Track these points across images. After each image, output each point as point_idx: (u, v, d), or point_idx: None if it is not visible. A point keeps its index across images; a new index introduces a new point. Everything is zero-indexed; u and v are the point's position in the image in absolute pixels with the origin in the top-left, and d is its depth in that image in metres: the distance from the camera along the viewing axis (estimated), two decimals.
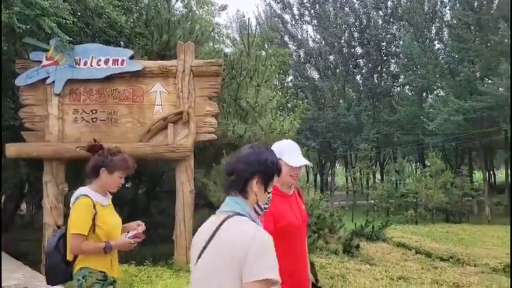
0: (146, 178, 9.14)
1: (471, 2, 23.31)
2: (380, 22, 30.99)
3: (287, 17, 33.00)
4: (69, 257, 2.73)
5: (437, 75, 25.42)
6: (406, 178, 26.18)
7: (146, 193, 9.36)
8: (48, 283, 2.87)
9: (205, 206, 7.17)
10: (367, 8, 30.58)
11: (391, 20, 31.03)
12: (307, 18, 32.73)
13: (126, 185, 9.78)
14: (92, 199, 2.73)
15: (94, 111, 6.64)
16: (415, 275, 7.19)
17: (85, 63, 6.60)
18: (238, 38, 20.09)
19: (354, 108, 29.65)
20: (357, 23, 31.28)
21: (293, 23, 32.98)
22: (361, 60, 32.18)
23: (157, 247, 7.09)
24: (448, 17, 27.17)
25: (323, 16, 31.17)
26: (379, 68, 32.12)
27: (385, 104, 30.84)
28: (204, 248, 1.60)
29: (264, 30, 28.62)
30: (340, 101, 31.00)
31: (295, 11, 32.60)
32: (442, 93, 27.44)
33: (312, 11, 32.05)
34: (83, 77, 6.57)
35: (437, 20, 28.07)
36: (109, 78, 6.62)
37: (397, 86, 33.02)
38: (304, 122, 29.33)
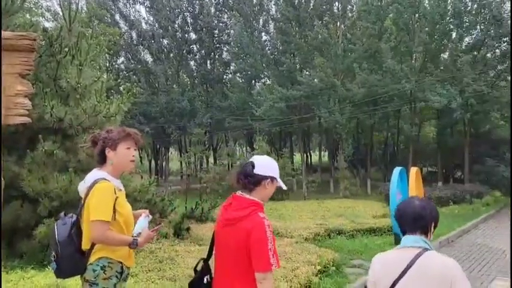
0: None
1: None
2: (212, 10, 31.78)
3: None
4: (86, 246, 2.54)
5: (264, 65, 27.36)
6: (236, 161, 27.68)
7: None
8: (58, 276, 2.66)
9: (18, 197, 6.39)
10: None
11: (223, 9, 32.13)
12: None
13: None
14: (112, 183, 2.59)
15: None
16: None
17: None
18: (61, 12, 18.24)
19: (188, 94, 29.99)
20: (190, 9, 31.48)
21: (125, 1, 31.43)
22: (194, 46, 32.58)
23: None
24: (273, 11, 29.37)
25: None
26: (212, 55, 33.03)
27: (218, 90, 31.96)
28: (400, 276, 2.01)
29: (91, 6, 26.60)
30: (174, 85, 30.97)
31: None
32: (268, 82, 29.71)
33: None
34: None
35: (264, 13, 30.10)
36: None
37: (228, 73, 34.50)
38: (137, 106, 28.47)
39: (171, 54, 31.56)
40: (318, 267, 6.70)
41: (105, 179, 2.60)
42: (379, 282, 2.11)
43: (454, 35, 22.80)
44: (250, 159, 2.42)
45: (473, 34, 23.29)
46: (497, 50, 22.98)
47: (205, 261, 2.52)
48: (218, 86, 32.45)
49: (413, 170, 11.43)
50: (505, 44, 22.74)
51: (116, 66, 32.69)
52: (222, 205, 2.41)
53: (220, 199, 18.59)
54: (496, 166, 23.59)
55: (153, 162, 38.08)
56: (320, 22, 24.10)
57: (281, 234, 9.94)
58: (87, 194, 2.57)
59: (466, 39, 23.37)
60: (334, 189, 25.36)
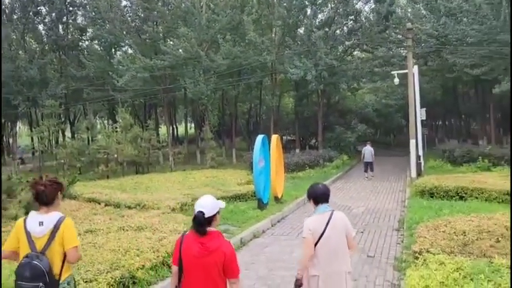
0: None
1: None
2: None
3: None
4: (57, 270, 3.02)
5: (124, 32, 25.82)
6: (97, 134, 26.05)
7: None
8: None
9: None
10: None
11: None
12: None
13: None
14: None
15: None
16: (103, 226, 7.36)
17: None
18: None
19: (38, 61, 26.88)
20: None
21: None
22: (43, 8, 29.15)
23: None
24: None
25: None
26: (64, 19, 29.98)
27: (73, 58, 29.36)
28: (325, 228, 3.48)
29: None
30: (20, 51, 27.47)
31: None
32: (130, 51, 28.21)
33: None
34: None
35: None
36: None
37: (85, 40, 31.84)
38: None
39: (15, 16, 27.77)
40: None
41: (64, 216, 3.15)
42: (315, 231, 3.48)
43: (309, 11, 24.40)
44: (198, 209, 2.89)
45: (325, 11, 25.26)
46: (345, 27, 25.31)
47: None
48: (73, 54, 29.79)
49: (274, 137, 12.15)
50: (351, 22, 25.15)
51: None
52: (195, 241, 2.88)
53: (78, 174, 17.45)
54: (343, 133, 26.42)
55: None
56: None
57: (147, 206, 9.74)
58: (53, 230, 3.03)
59: (319, 15, 25.23)
60: (201, 160, 25.64)
